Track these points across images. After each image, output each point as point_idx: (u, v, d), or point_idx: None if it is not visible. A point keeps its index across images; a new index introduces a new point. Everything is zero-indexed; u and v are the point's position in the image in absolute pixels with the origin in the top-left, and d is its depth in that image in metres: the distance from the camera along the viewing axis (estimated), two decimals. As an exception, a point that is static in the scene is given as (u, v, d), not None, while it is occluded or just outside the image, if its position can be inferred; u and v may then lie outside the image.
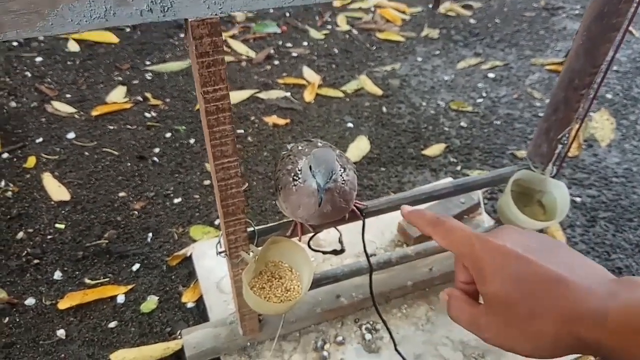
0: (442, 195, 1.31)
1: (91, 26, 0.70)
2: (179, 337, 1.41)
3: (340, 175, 0.99)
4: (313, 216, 1.04)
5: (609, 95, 2.53)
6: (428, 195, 1.29)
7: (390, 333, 1.36)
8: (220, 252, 1.12)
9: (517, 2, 3.51)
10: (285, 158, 1.14)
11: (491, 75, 2.69)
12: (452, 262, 1.55)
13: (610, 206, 1.90)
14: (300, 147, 1.14)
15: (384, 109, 2.40)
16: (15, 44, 2.69)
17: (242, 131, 2.22)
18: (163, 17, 0.74)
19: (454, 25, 3.18)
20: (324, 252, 1.29)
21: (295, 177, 1.03)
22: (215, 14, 0.75)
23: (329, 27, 3.12)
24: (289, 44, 2.91)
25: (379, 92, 2.52)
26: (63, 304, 1.49)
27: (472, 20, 3.25)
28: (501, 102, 2.48)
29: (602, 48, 1.12)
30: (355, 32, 3.07)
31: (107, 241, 1.68)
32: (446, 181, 1.92)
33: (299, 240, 1.19)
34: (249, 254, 1.11)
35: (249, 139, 2.18)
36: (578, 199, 1.92)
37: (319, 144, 1.15)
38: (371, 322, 1.45)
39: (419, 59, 2.83)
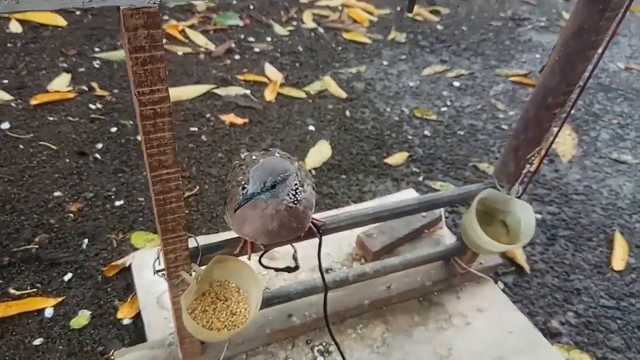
0: (406, 213, 1.23)
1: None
2: (112, 358, 1.27)
3: (292, 194, 0.89)
4: (259, 234, 0.94)
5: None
6: (391, 211, 1.21)
7: (342, 356, 1.28)
8: (157, 271, 1.00)
9: (484, 11, 3.51)
10: (237, 168, 1.03)
11: (456, 83, 2.65)
12: (410, 280, 1.49)
13: (570, 224, 1.88)
14: (254, 157, 1.04)
15: (348, 113, 2.32)
16: (-53, 20, 2.46)
17: (195, 129, 2.08)
18: (89, 3, 0.62)
19: (421, 30, 3.13)
20: (277, 270, 1.19)
21: (244, 189, 0.92)
22: (154, 3, 0.63)
23: (295, 23, 3.01)
24: (251, 39, 2.78)
25: (343, 94, 2.43)
26: (-19, 317, 1.33)
27: (439, 26, 3.21)
28: (465, 111, 2.44)
29: (579, 66, 1.06)
30: (321, 30, 2.98)
31: (37, 246, 1.52)
32: (409, 194, 1.86)
33: (249, 259, 1.08)
34: (190, 274, 1.00)
35: (203, 137, 2.04)
36: (539, 216, 1.89)
37: (277, 154, 1.04)
38: (324, 344, 1.36)
39: (385, 62, 2.76)
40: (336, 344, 1.26)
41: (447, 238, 1.65)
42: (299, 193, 0.90)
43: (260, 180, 0.85)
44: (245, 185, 0.91)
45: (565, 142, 2.31)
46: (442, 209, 1.65)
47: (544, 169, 2.13)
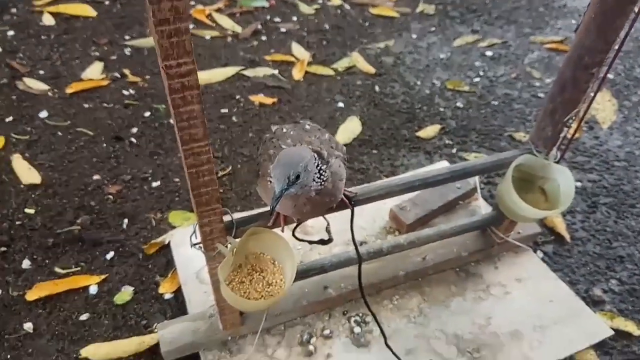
0: (437, 182, 1.21)
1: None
2: (155, 330, 1.31)
3: (317, 177, 0.88)
4: (293, 214, 0.95)
5: (610, 75, 2.42)
6: (422, 181, 1.19)
7: (380, 326, 1.28)
8: (194, 244, 1.02)
9: (515, -22, 3.38)
10: (268, 142, 1.03)
11: (489, 53, 2.57)
12: (445, 252, 1.48)
13: (611, 191, 1.82)
14: (285, 130, 1.04)
15: (377, 88, 2.29)
16: (-15, 16, 2.54)
17: (226, 110, 2.10)
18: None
19: (451, 1, 3.05)
20: (310, 242, 1.19)
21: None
22: (177, -27, 0.64)
23: (320, 1, 2.97)
24: (277, 19, 2.77)
25: (372, 70, 2.40)
26: (31, 295, 1.39)
27: (469, -4, 3.12)
28: (499, 81, 2.38)
29: (616, 22, 1.01)
30: (347, 7, 2.94)
31: (79, 227, 1.58)
32: (442, 166, 1.83)
33: (282, 231, 1.09)
34: (226, 247, 1.01)
35: (234, 118, 2.06)
36: (579, 184, 1.84)
37: (307, 126, 1.04)
38: (360, 315, 1.36)
39: (414, 35, 2.70)
40: (372, 314, 1.26)
41: (483, 209, 1.62)
42: (323, 173, 0.89)
43: (283, 176, 0.85)
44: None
45: (605, 108, 2.22)
46: (476, 179, 1.62)
47: (584, 136, 2.06)
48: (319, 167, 0.88)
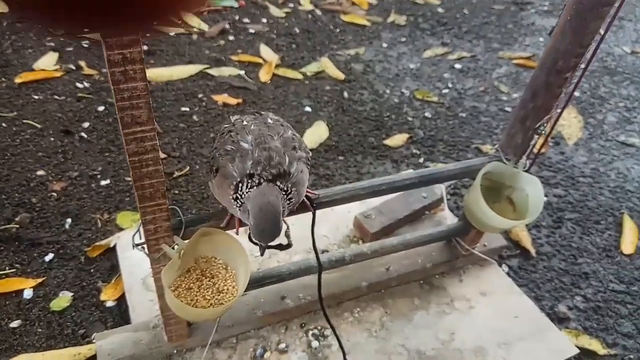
0: (405, 187, 1.16)
1: None
2: (93, 341, 1.19)
3: (288, 204, 0.87)
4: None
5: (576, 93, 2.44)
6: (389, 185, 1.13)
7: (339, 341, 1.20)
8: (137, 245, 0.92)
9: (486, -6, 3.42)
10: (226, 134, 0.94)
11: (458, 66, 2.56)
12: (410, 262, 1.41)
13: (577, 207, 1.80)
14: (245, 123, 0.95)
15: (346, 95, 2.24)
16: None
17: (187, 109, 2.00)
18: None
19: (422, 13, 3.04)
20: (268, 247, 1.10)
21: (238, 188, 0.84)
22: None
23: (291, 5, 2.92)
24: (246, 20, 2.69)
25: (341, 76, 2.34)
26: (-44, 299, 1.25)
27: (440, 9, 3.12)
28: (467, 94, 2.36)
29: (592, 25, 0.98)
30: (318, 12, 2.89)
31: (17, 226, 1.44)
32: (408, 172, 1.78)
33: (236, 233, 1.00)
34: (172, 248, 0.92)
35: (195, 117, 1.96)
36: (544, 198, 1.81)
37: (269, 120, 0.95)
38: (319, 328, 1.28)
39: (384, 44, 2.67)
40: (332, 327, 1.19)
41: (449, 220, 1.57)
42: (291, 200, 0.87)
43: (271, 234, 0.86)
44: (240, 185, 0.84)
45: (571, 124, 2.22)
46: (443, 189, 1.58)
47: (550, 151, 2.05)
48: (288, 198, 0.85)
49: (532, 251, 1.61)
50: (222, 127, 0.97)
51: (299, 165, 0.88)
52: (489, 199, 1.16)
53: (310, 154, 0.95)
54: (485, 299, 1.40)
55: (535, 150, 1.19)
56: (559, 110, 1.11)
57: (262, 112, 0.98)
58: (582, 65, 1.06)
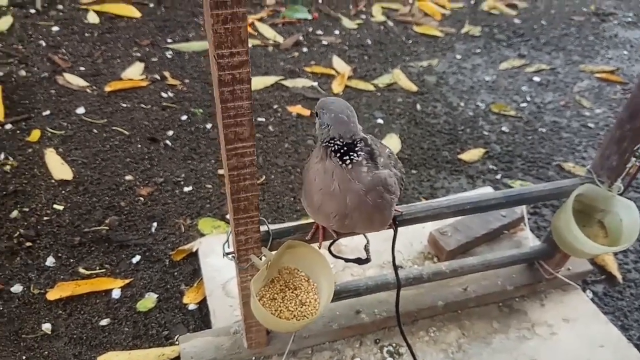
0: (490, 207, 1.13)
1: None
2: (176, 342, 1.24)
3: (373, 158, 0.82)
4: (334, 219, 0.85)
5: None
6: (474, 205, 1.10)
7: (415, 359, 1.18)
8: (227, 254, 0.95)
9: (564, 5, 3.29)
10: None
11: (536, 79, 2.48)
12: (489, 284, 1.37)
13: (668, 232, 1.69)
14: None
15: (418, 107, 2.21)
16: (32, 11, 2.56)
17: (263, 119, 2.05)
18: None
19: (497, 24, 2.97)
20: (347, 260, 1.11)
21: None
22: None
23: (363, 17, 2.93)
24: (319, 32, 2.73)
25: (414, 88, 2.33)
26: (53, 295, 1.34)
27: (516, 20, 3.04)
28: (547, 108, 2.27)
29: None
30: (390, 23, 2.89)
31: (107, 228, 1.53)
32: (488, 191, 1.73)
33: (319, 247, 1.01)
34: (260, 259, 0.94)
35: (270, 128, 2.01)
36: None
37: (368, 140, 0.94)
38: (394, 345, 1.27)
39: (458, 56, 2.63)
40: (408, 345, 1.17)
41: (530, 240, 1.51)
42: (354, 154, 0.80)
43: (344, 129, 0.81)
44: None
45: (660, 143, 2.09)
46: (524, 209, 1.53)
47: None
48: (352, 142, 0.81)
49: (619, 277, 1.52)
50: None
51: (387, 172, 0.86)
52: (579, 222, 1.11)
53: (404, 176, 0.94)
54: (568, 325, 1.34)
55: (630, 174, 1.13)
56: (661, 132, 1.05)
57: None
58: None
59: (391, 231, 1.03)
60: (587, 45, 2.83)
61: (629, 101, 1.09)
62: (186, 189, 1.68)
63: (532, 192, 1.14)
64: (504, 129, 2.12)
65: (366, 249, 1.09)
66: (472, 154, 1.96)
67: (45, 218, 1.55)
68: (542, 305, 1.38)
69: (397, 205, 0.96)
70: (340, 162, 0.80)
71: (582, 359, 1.27)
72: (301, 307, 0.97)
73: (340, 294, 1.19)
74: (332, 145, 0.81)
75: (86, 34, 2.45)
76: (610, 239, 1.16)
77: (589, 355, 1.28)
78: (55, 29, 2.46)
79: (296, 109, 2.11)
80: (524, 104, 2.28)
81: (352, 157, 0.81)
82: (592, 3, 3.34)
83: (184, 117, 2.00)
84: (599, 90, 2.43)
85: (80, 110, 1.98)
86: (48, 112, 1.95)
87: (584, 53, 2.75)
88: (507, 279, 1.36)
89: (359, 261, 1.10)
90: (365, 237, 1.07)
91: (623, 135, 1.10)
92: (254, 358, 1.19)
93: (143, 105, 2.05)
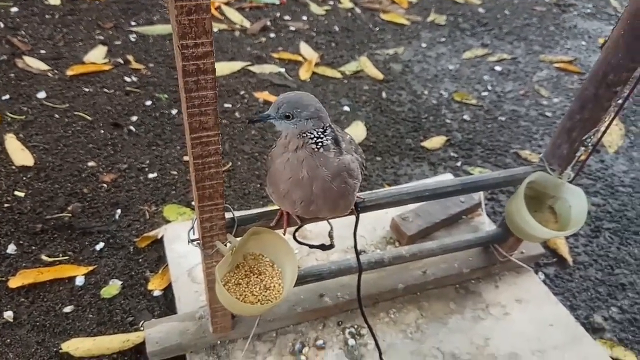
0: (447, 194, 1.17)
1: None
2: (141, 328, 1.26)
3: (314, 136, 0.84)
4: (294, 190, 0.87)
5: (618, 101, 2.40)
6: (432, 192, 1.15)
7: (375, 340, 1.23)
8: (192, 240, 0.97)
9: (527, -5, 3.37)
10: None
11: (498, 68, 2.55)
12: (447, 267, 1.43)
13: (615, 217, 1.79)
14: None
15: (384, 95, 2.25)
16: (-11, -10, 2.47)
17: (229, 105, 2.05)
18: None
19: (462, 13, 3.03)
20: (311, 246, 1.14)
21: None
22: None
23: (331, 3, 2.94)
24: (287, 17, 2.73)
25: (380, 76, 2.36)
26: (14, 282, 1.33)
27: (480, 10, 3.10)
28: (507, 97, 2.35)
29: (647, 40, 0.98)
30: (358, 10, 2.90)
31: (70, 215, 1.52)
32: (446, 177, 1.79)
33: (284, 233, 1.04)
34: (225, 245, 0.96)
35: (237, 114, 2.01)
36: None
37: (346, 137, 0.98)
38: (356, 326, 1.32)
39: (424, 44, 2.67)
40: (369, 326, 1.22)
41: (486, 225, 1.58)
42: (322, 138, 0.84)
43: (277, 105, 0.83)
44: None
45: (611, 132, 2.19)
46: (481, 195, 1.59)
47: (589, 159, 2.03)
48: (319, 132, 0.84)
49: (569, 260, 1.61)
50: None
51: (350, 157, 0.90)
52: (530, 208, 1.17)
53: (364, 161, 0.97)
54: (521, 306, 1.41)
55: (579, 162, 1.19)
56: (606, 123, 1.11)
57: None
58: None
59: (354, 217, 1.06)
60: (547, 36, 2.92)
61: (579, 93, 1.14)
62: (151, 176, 1.68)
63: (487, 180, 1.20)
64: (465, 117, 2.18)
65: (330, 235, 1.12)
66: (435, 142, 2.01)
67: (5, 205, 1.52)
68: (496, 287, 1.45)
69: (359, 191, 1.00)
70: (315, 148, 0.84)
71: (533, 338, 1.34)
72: (265, 292, 1.00)
73: (304, 279, 1.22)
74: (320, 135, 0.84)
75: (47, 16, 2.37)
76: (560, 224, 1.22)
77: (540, 334, 1.35)
78: (14, 9, 2.37)
79: (263, 95, 2.12)
80: (485, 93, 2.35)
81: (322, 141, 0.84)
82: (553, -6, 3.43)
83: (149, 102, 1.98)
84: (557, 80, 2.52)
85: (41, 94, 1.94)
86: (7, 96, 1.90)
87: (544, 43, 2.84)
88: (464, 262, 1.42)
89: (323, 247, 1.14)
90: (329, 223, 1.11)
91: (573, 126, 1.16)
92: (219, 342, 1.22)
93: (106, 90, 2.01)
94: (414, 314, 1.36)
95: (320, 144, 0.84)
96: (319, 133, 0.84)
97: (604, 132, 1.13)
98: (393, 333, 1.31)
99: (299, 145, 0.84)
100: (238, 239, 0.97)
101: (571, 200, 1.20)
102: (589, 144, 1.14)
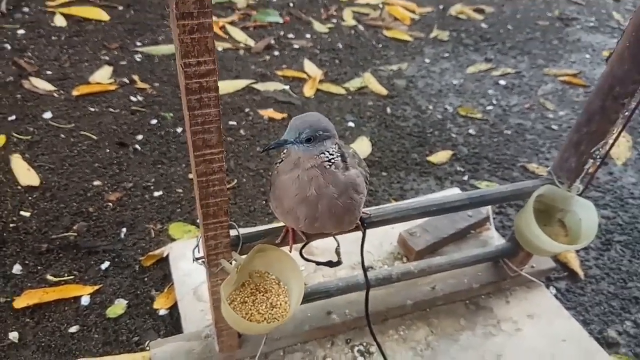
0: (455, 208, 1.16)
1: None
2: (147, 348, 1.24)
3: (328, 154, 0.83)
4: (299, 206, 0.86)
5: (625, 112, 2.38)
6: (439, 206, 1.14)
7: (385, 358, 1.21)
8: (197, 259, 0.96)
9: (530, 10, 3.39)
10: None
11: (502, 82, 2.55)
12: (456, 282, 1.41)
13: (626, 229, 1.76)
14: None
15: (388, 110, 2.25)
16: (-3, 14, 2.51)
17: (234, 123, 2.05)
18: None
19: (465, 29, 3.04)
20: (318, 263, 1.13)
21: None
22: (204, -36, 0.59)
23: (334, 21, 2.96)
24: (290, 35, 2.75)
25: (384, 91, 2.36)
26: (19, 303, 1.32)
27: (483, 25, 3.11)
28: (512, 111, 2.34)
29: (653, 51, 0.97)
30: (361, 28, 2.92)
31: (75, 234, 1.51)
32: (453, 192, 1.78)
33: (290, 250, 1.03)
34: (230, 263, 0.95)
35: (242, 131, 2.01)
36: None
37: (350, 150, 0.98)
38: (364, 344, 1.29)
39: (427, 60, 2.68)
40: (378, 344, 1.20)
41: (495, 239, 1.56)
42: (334, 157, 0.84)
43: (297, 130, 0.80)
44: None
45: (619, 144, 2.17)
46: (489, 209, 1.57)
47: (598, 171, 2.01)
48: (334, 150, 0.84)
49: (581, 274, 1.58)
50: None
51: (356, 171, 0.90)
52: (540, 221, 1.16)
53: (369, 175, 0.97)
54: (533, 321, 1.39)
55: (588, 175, 1.18)
56: (614, 135, 1.10)
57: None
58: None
59: (361, 233, 1.05)
60: (551, 49, 2.92)
61: (585, 106, 1.14)
62: (156, 194, 1.68)
63: (494, 194, 1.18)
64: (470, 131, 2.17)
65: (337, 251, 1.11)
66: (441, 156, 2.00)
67: (11, 225, 1.52)
68: (507, 302, 1.43)
69: (365, 206, 0.99)
70: (327, 166, 0.83)
71: (546, 354, 1.31)
72: (272, 310, 0.98)
73: (311, 296, 1.21)
74: (333, 154, 0.84)
75: (53, 38, 2.40)
76: (570, 238, 1.21)
77: (552, 349, 1.33)
78: (20, 32, 2.41)
79: (268, 113, 2.12)
80: (490, 107, 2.34)
81: (334, 159, 0.84)
82: (557, 8, 3.44)
83: (154, 121, 1.99)
84: (562, 93, 2.51)
85: (47, 114, 1.95)
86: (14, 117, 1.91)
87: (548, 57, 2.84)
88: (473, 277, 1.40)
89: (330, 264, 1.12)
90: (336, 240, 1.10)
91: (580, 139, 1.14)
92: (225, 362, 1.20)
93: (112, 110, 2.02)
94: (423, 331, 1.34)
95: (332, 162, 0.84)
96: (333, 151, 0.84)
97: (612, 144, 1.12)
98: (403, 351, 1.29)
99: (313, 164, 0.83)
100: (243, 256, 0.96)
101: (581, 213, 1.18)
102: (597, 157, 1.13)
